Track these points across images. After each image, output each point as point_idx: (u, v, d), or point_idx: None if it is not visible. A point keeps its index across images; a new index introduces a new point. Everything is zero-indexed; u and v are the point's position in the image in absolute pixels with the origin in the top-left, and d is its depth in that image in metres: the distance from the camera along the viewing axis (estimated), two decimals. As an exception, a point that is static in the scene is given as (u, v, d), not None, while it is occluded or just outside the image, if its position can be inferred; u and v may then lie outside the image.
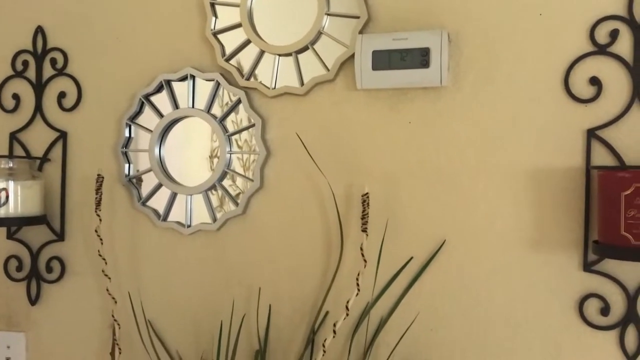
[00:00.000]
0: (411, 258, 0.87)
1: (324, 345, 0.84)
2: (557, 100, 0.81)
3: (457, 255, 0.85)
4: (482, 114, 0.84)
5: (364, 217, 0.85)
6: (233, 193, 0.95)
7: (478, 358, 0.84)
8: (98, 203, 0.96)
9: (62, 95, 1.04)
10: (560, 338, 0.81)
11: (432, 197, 0.86)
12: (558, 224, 0.81)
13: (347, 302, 0.84)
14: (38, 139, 1.05)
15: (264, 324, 0.93)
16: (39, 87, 1.05)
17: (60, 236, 1.04)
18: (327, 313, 0.90)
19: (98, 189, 0.96)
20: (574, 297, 0.80)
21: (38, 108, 1.05)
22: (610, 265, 0.79)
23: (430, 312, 0.86)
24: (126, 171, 1.00)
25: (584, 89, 0.80)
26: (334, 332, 0.84)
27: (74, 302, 1.04)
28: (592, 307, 0.80)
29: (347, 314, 0.84)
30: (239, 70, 0.94)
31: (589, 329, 0.80)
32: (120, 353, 0.97)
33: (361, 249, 0.85)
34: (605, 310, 0.79)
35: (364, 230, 0.85)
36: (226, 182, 0.96)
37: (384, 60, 0.83)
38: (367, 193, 0.85)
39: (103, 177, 0.97)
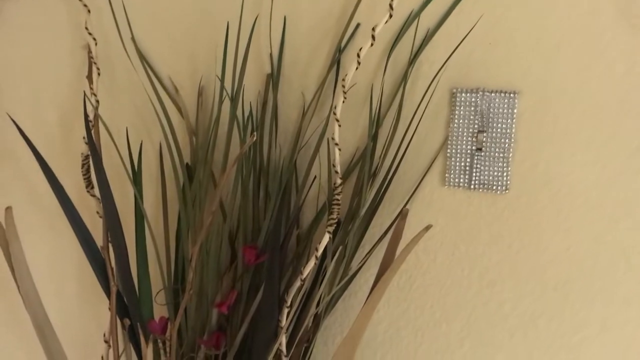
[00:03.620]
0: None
1: (358, 56, 0.67)
2: None
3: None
4: None
5: None
6: None
7: (545, 67, 0.68)
8: None
9: None
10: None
11: None
12: None
13: (391, 0, 0.66)
14: None
15: (278, 41, 0.75)
16: None
17: None
18: (358, 25, 0.72)
19: None
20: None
21: None
22: None
23: (492, 19, 0.68)
24: None
25: None
26: (373, 37, 0.66)
27: (34, 19, 0.84)
28: None
29: (391, 15, 0.66)
30: None
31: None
32: (99, 75, 0.79)
33: None
34: None
35: None
36: None
37: None
38: None
39: None
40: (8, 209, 0.63)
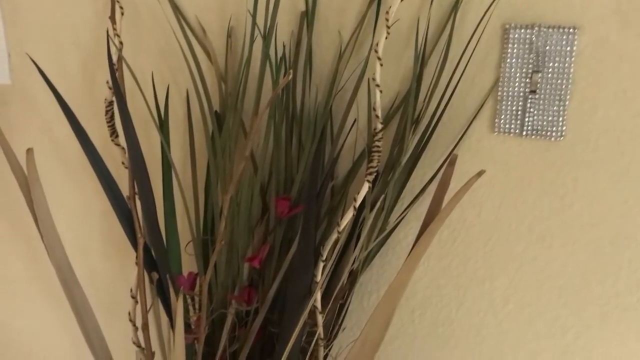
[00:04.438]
0: None
1: (404, -14, 0.61)
2: None
3: None
4: None
5: None
6: None
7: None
8: None
9: None
10: None
11: None
12: None
13: None
14: None
15: (313, -26, 0.70)
16: None
17: None
18: (402, -44, 0.66)
19: None
20: None
21: None
22: None
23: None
24: None
25: None
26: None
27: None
28: None
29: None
30: None
31: None
32: (122, 15, 0.74)
33: None
34: None
35: None
36: None
37: None
38: None
39: None
40: (29, 151, 0.59)
